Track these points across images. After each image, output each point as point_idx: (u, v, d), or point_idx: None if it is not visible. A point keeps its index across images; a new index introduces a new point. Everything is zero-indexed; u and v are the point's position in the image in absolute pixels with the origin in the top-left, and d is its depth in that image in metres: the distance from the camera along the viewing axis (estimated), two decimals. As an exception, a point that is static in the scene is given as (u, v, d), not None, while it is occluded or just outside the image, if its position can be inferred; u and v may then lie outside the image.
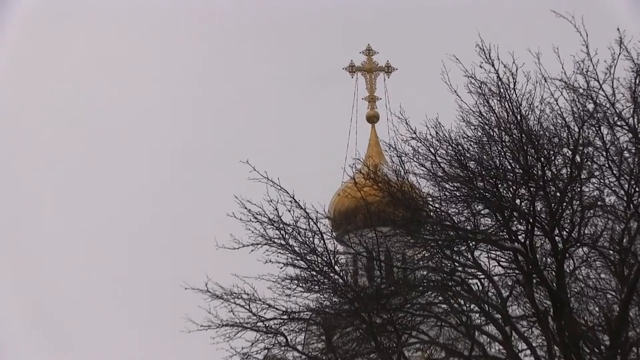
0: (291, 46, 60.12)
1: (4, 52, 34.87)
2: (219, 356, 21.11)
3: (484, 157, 19.29)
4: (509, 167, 19.13)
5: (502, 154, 19.12)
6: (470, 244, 19.64)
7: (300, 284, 20.49)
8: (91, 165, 57.44)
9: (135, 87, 61.97)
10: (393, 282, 20.44)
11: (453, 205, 19.74)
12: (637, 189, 18.57)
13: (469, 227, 19.53)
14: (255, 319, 20.88)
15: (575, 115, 18.69)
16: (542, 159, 18.69)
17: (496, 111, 19.22)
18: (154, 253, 52.36)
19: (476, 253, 19.75)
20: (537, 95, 19.03)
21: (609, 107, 18.49)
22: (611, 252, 18.95)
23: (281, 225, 20.23)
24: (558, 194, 18.77)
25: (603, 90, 18.47)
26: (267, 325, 20.92)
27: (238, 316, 20.88)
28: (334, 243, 21.28)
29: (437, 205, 19.94)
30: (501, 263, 19.94)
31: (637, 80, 18.17)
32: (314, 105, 59.58)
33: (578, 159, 18.65)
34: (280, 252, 20.32)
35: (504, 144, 19.08)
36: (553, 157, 18.85)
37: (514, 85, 18.96)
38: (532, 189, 18.87)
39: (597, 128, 18.64)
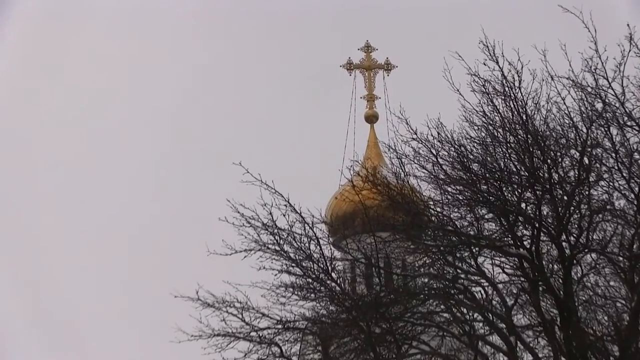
0: (285, 43, 60.12)
1: (4, 52, 35.38)
2: (210, 367, 21.10)
3: (488, 158, 19.29)
4: (514, 169, 19.13)
5: (507, 155, 19.11)
6: (474, 250, 19.64)
7: (296, 292, 20.50)
8: (89, 166, 58.47)
9: (135, 87, 62.60)
10: (393, 290, 20.43)
11: (455, 210, 19.75)
12: (647, 192, 18.56)
13: (472, 232, 19.53)
14: (248, 329, 20.91)
15: (584, 115, 18.70)
16: (548, 160, 18.68)
17: (500, 111, 19.23)
18: (142, 259, 52.45)
19: (480, 259, 19.78)
20: (544, 94, 19.10)
21: (619, 107, 18.51)
22: (621, 258, 18.95)
23: (276, 231, 20.24)
24: (565, 198, 18.76)
25: (612, 88, 18.51)
26: (260, 335, 20.94)
27: (230, 326, 20.96)
28: (330, 249, 21.36)
29: (438, 209, 19.95)
30: (506, 270, 19.96)
31: (648, 79, 18.19)
32: (310, 104, 59.72)
33: (586, 160, 18.65)
34: (274, 259, 20.35)
35: (508, 145, 19.07)
36: (560, 159, 18.84)
37: (519, 84, 19.00)
38: (538, 192, 18.85)
39: (606, 128, 18.63)
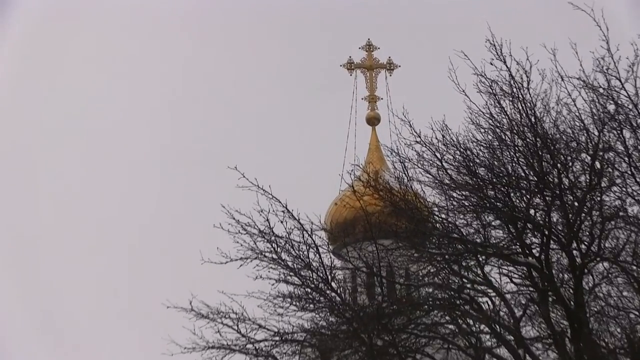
0: (284, 41, 60.34)
1: (4, 52, 35.71)
2: (204, 381, 21.06)
3: (495, 163, 19.29)
4: (523, 174, 19.12)
5: (515, 159, 19.12)
6: (480, 259, 19.66)
7: (294, 302, 20.50)
8: (86, 169, 59.46)
9: (132, 89, 63.15)
10: (395, 300, 20.44)
11: (461, 216, 19.76)
12: (662, 198, 18.53)
13: (478, 240, 19.54)
14: (244, 341, 20.90)
15: (595, 117, 18.67)
16: (558, 165, 18.68)
17: (508, 113, 19.24)
18: (134, 268, 52.55)
19: (486, 268, 19.84)
20: (553, 95, 19.11)
21: (632, 109, 18.47)
22: (634, 267, 18.93)
23: (273, 238, 20.21)
24: (576, 204, 18.76)
25: (625, 89, 18.48)
26: (257, 347, 20.92)
27: (225, 337, 20.96)
28: (330, 257, 21.26)
29: (443, 215, 19.96)
30: (514, 279, 20.01)
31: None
32: (309, 105, 59.81)
33: (598, 165, 18.64)
34: (271, 267, 20.34)
35: (516, 148, 19.07)
36: (571, 163, 18.84)
37: (528, 84, 19.03)
38: (547, 198, 18.86)
39: (618, 131, 18.60)
